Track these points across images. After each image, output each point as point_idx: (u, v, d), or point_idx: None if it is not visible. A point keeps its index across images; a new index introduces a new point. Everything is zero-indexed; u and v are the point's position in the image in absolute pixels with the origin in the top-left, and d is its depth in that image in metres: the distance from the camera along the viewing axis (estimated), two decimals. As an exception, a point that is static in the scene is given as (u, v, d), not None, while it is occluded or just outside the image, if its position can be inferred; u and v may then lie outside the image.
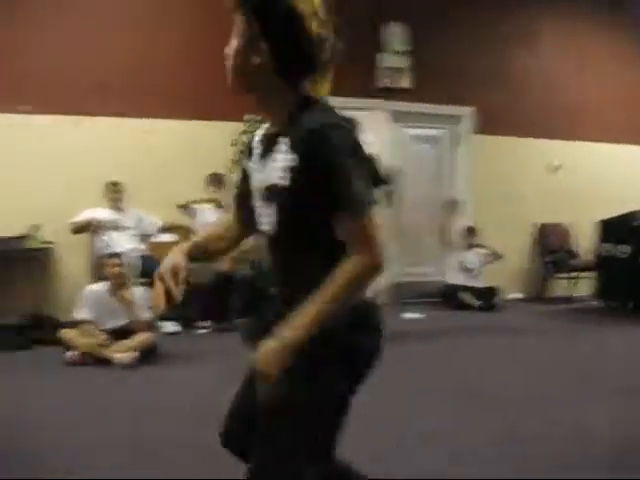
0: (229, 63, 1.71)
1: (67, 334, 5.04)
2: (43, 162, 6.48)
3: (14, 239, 6.00)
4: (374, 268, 1.58)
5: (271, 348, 1.53)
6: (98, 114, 6.63)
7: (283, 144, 1.63)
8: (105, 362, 4.86)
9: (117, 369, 4.78)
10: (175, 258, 1.81)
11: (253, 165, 1.78)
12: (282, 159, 1.62)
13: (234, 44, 1.68)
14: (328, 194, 1.56)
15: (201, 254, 1.94)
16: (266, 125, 1.79)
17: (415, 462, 2.99)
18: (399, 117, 8.15)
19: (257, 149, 1.77)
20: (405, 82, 8.00)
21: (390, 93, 7.89)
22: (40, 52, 6.51)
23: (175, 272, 1.77)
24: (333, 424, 1.66)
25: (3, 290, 6.06)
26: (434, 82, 7.95)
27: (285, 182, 1.61)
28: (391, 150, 8.26)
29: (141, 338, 5.02)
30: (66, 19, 6.62)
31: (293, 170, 1.59)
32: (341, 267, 1.55)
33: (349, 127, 1.60)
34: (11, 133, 6.45)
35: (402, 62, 7.92)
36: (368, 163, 1.65)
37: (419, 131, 8.42)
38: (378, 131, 8.81)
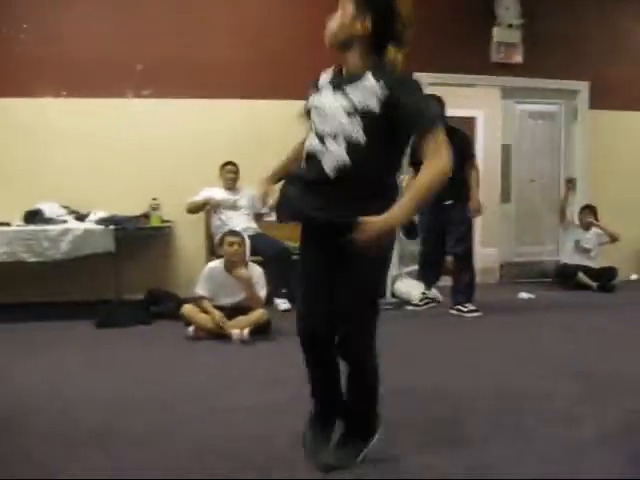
0: (333, 27, 2.37)
1: (187, 310, 5.23)
2: (162, 144, 6.70)
3: (135, 218, 6.24)
4: (444, 173, 2.19)
5: (379, 225, 2.16)
6: (212, 96, 6.79)
7: (370, 80, 2.27)
8: (222, 337, 5.03)
9: (234, 344, 4.93)
10: (262, 189, 2.93)
11: (324, 98, 2.44)
12: (375, 90, 2.25)
13: (340, 15, 2.35)
14: (419, 116, 2.24)
15: (282, 176, 2.84)
16: (330, 72, 2.52)
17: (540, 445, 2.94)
18: (512, 93, 7.96)
19: (327, 87, 2.47)
20: (518, 57, 7.78)
21: (503, 68, 7.69)
22: (162, 38, 6.73)
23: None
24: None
25: (125, 267, 6.33)
26: (548, 56, 7.68)
27: (375, 107, 2.25)
28: (504, 127, 8.11)
29: (256, 315, 5.14)
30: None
31: (385, 102, 2.24)
32: (424, 171, 2.20)
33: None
34: (133, 117, 6.70)
35: (515, 36, 7.70)
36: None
37: (533, 107, 8.19)
38: (491, 108, 8.67)
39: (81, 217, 6.17)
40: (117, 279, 6.21)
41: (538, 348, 4.78)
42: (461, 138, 5.85)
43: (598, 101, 7.98)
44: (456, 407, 3.44)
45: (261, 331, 5.14)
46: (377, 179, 2.38)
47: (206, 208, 6.43)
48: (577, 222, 7.74)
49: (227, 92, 6.80)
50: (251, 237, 6.12)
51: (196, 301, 5.27)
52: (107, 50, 6.58)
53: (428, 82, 7.26)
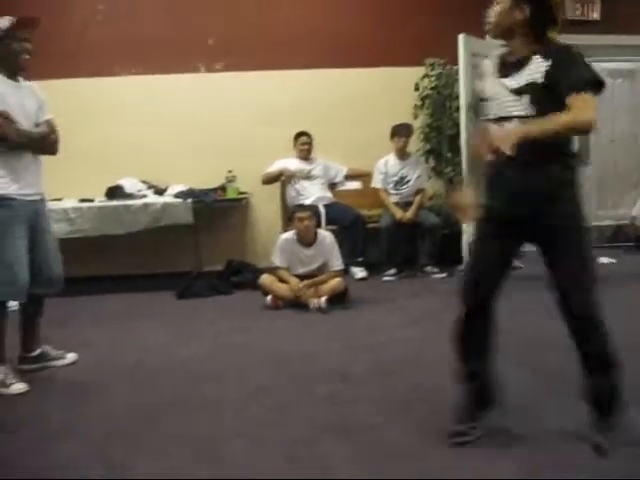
0: (493, 17, 2.59)
1: (265, 280, 5.31)
2: (236, 117, 6.77)
3: (212, 191, 6.34)
4: (589, 123, 2.34)
5: (515, 131, 2.37)
6: (284, 67, 6.82)
7: (536, 59, 2.47)
8: (300, 306, 5.11)
9: (312, 313, 5.00)
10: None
11: (496, 78, 2.62)
12: (538, 64, 2.46)
13: (498, 7, 2.57)
14: (571, 79, 2.37)
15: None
16: (498, 55, 2.67)
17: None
18: (590, 51, 7.62)
19: (494, 69, 2.65)
20: (595, 13, 7.51)
21: (580, 26, 7.44)
22: (231, 12, 6.79)
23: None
24: None
25: (204, 239, 6.45)
26: (626, 11, 7.35)
27: (540, 79, 2.44)
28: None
29: (333, 284, 5.19)
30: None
31: (547, 71, 2.43)
32: (572, 111, 2.33)
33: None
34: (207, 91, 6.80)
35: (591, -8, 7.45)
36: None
37: (612, 65, 7.89)
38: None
39: (160, 191, 6.33)
40: (196, 251, 6.34)
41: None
42: None
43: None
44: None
45: (338, 299, 5.18)
46: (552, 145, 2.47)
47: (281, 179, 6.50)
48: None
49: (299, 63, 6.81)
50: (326, 206, 6.19)
51: (273, 271, 5.35)
52: (178, 26, 6.69)
53: (500, 43, 7.13)
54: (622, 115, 7.90)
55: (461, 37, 6.29)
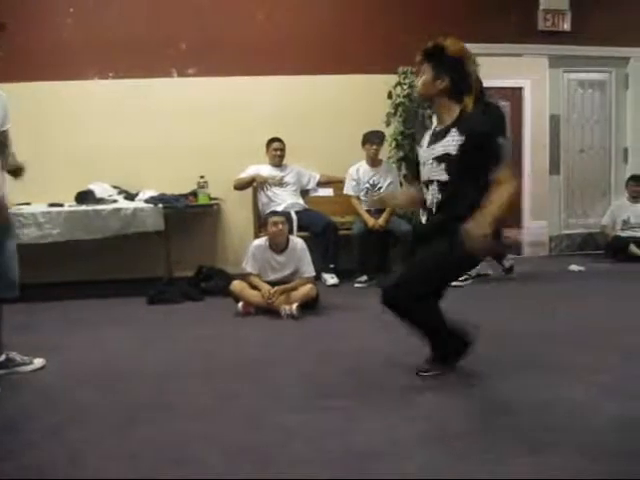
0: (420, 86, 3.27)
1: (236, 286, 5.28)
2: (208, 122, 6.75)
3: (183, 196, 6.31)
4: (515, 192, 3.09)
5: (480, 222, 2.92)
6: (256, 73, 6.81)
7: (453, 132, 3.10)
8: (271, 313, 5.08)
9: (283, 319, 4.98)
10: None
11: (426, 146, 3.27)
12: (454, 138, 3.09)
13: (423, 77, 3.19)
14: (482, 155, 3.03)
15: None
16: (434, 125, 3.32)
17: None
18: (560, 62, 7.80)
19: (427, 138, 3.30)
20: (566, 24, 7.61)
21: (550, 37, 7.54)
22: (205, 18, 6.78)
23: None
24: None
25: (175, 245, 6.42)
26: (597, 22, 7.47)
27: (454, 151, 3.09)
28: (552, 96, 7.95)
29: (304, 291, 5.18)
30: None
31: (460, 146, 3.06)
32: (498, 190, 3.00)
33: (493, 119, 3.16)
34: (179, 97, 6.76)
35: (563, 3, 7.53)
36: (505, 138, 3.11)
37: (582, 75, 8.01)
38: (538, 77, 8.50)
39: (131, 197, 6.29)
40: (167, 257, 6.31)
41: (586, 320, 4.72)
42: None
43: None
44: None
45: (309, 306, 5.18)
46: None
47: (253, 185, 6.48)
48: (626, 194, 7.60)
49: (272, 69, 6.81)
50: (298, 213, 6.18)
51: (244, 277, 5.33)
52: (151, 30, 6.65)
53: (474, 52, 7.19)
54: (591, 125, 8.01)
55: (434, 46, 6.33)
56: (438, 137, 3.19)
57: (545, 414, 2.92)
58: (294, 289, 5.18)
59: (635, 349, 3.90)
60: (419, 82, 3.26)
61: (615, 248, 7.36)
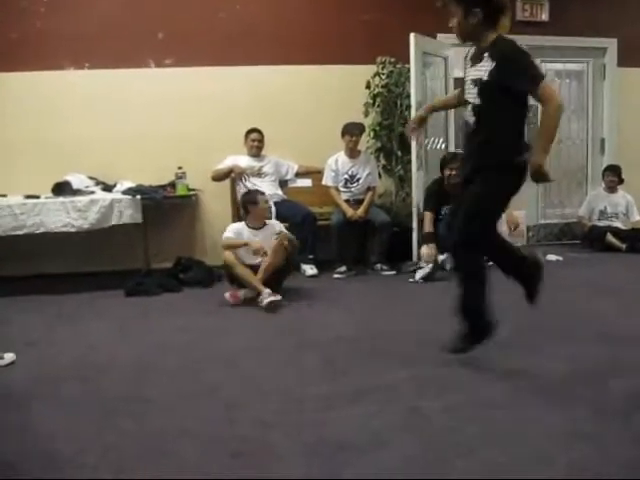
0: (457, 32, 3.26)
1: (229, 257, 5.26)
2: (186, 113, 6.71)
3: (162, 188, 6.29)
4: (561, 107, 3.08)
5: (538, 163, 3.11)
6: (235, 63, 6.78)
7: (486, 57, 3.11)
8: (254, 303, 5.08)
9: (262, 312, 4.96)
10: (420, 112, 4.01)
11: (467, 68, 3.30)
12: (486, 64, 3.10)
13: (454, 20, 3.21)
14: (514, 79, 3.06)
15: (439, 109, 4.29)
16: (471, 49, 3.33)
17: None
18: (538, 52, 7.78)
19: (469, 59, 3.31)
20: (544, 14, 7.64)
21: (528, 27, 7.56)
22: (183, 6, 6.74)
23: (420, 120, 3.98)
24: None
25: (153, 236, 6.39)
26: (574, 13, 7.52)
27: (486, 76, 3.11)
28: (530, 87, 7.97)
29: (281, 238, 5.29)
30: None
31: (491, 72, 3.08)
32: (545, 114, 3.12)
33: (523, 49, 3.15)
34: (157, 87, 6.71)
35: (541, -7, 7.58)
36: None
37: (559, 66, 8.05)
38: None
39: (108, 188, 6.23)
40: (145, 248, 6.27)
41: (563, 309, 4.76)
42: None
43: (626, 59, 7.82)
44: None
45: (285, 271, 5.33)
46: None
47: (231, 176, 6.45)
48: (603, 184, 7.66)
49: (251, 59, 6.78)
50: (277, 204, 6.18)
51: (228, 246, 5.31)
52: (128, 20, 6.58)
53: (452, 43, 7.20)
54: (569, 116, 8.05)
55: (412, 36, 6.35)
56: (474, 60, 3.24)
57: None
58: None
59: (611, 335, 3.94)
60: (453, 24, 3.26)
61: (592, 238, 7.42)
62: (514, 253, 3.53)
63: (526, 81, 3.04)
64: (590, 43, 7.83)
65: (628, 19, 7.69)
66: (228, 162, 6.42)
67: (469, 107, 3.29)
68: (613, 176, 7.55)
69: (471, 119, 3.30)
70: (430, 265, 5.91)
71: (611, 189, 7.58)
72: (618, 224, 7.46)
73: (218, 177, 6.42)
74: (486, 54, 3.12)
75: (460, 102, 3.52)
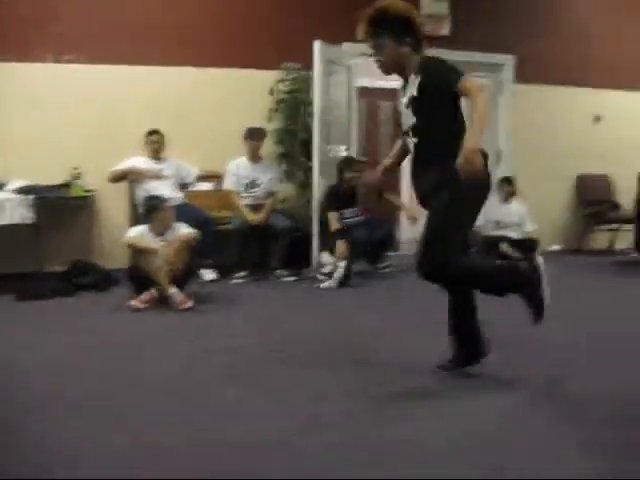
0: (385, 64, 3.23)
1: (132, 239, 5.20)
2: (84, 111, 6.54)
3: (56, 187, 6.10)
4: (485, 98, 3.02)
5: (471, 150, 2.84)
6: (136, 63, 6.65)
7: (412, 79, 3.13)
8: (163, 303, 5.07)
9: (161, 314, 4.89)
10: (373, 176, 3.80)
11: (402, 98, 3.24)
12: (415, 82, 3.10)
13: (380, 54, 3.21)
14: (441, 79, 3.07)
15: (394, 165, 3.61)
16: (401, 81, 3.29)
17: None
18: (439, 66, 8.01)
19: (402, 91, 3.27)
20: (445, 29, 7.84)
21: (429, 41, 7.70)
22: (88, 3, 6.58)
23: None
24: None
25: (47, 238, 6.16)
26: (474, 29, 7.75)
27: (415, 92, 3.09)
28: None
29: (185, 234, 5.33)
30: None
31: (419, 84, 3.08)
32: (473, 103, 2.94)
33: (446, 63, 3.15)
34: (55, 83, 6.51)
35: (443, 8, 7.76)
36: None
37: (461, 80, 8.26)
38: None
39: (-2, 186, 5.98)
40: (38, 250, 6.04)
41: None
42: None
43: (523, 75, 8.13)
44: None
45: (190, 273, 5.38)
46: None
47: (129, 178, 6.30)
48: (497, 194, 7.90)
49: (152, 59, 6.67)
50: (176, 207, 6.06)
51: (131, 246, 5.26)
52: (26, 11, 6.35)
53: (357, 52, 7.28)
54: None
55: (317, 44, 6.40)
56: (406, 88, 3.22)
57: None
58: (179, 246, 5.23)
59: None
60: (383, 59, 3.22)
61: (487, 247, 7.62)
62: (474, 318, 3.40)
63: (452, 78, 3.02)
64: (489, 59, 8.08)
65: (525, 36, 7.99)
66: (127, 163, 6.28)
67: (410, 135, 3.26)
68: (507, 187, 7.79)
69: (412, 143, 3.27)
70: (344, 263, 5.98)
71: (505, 199, 7.82)
72: (512, 234, 7.70)
73: (115, 178, 6.26)
74: (413, 75, 3.14)
75: (406, 149, 3.43)
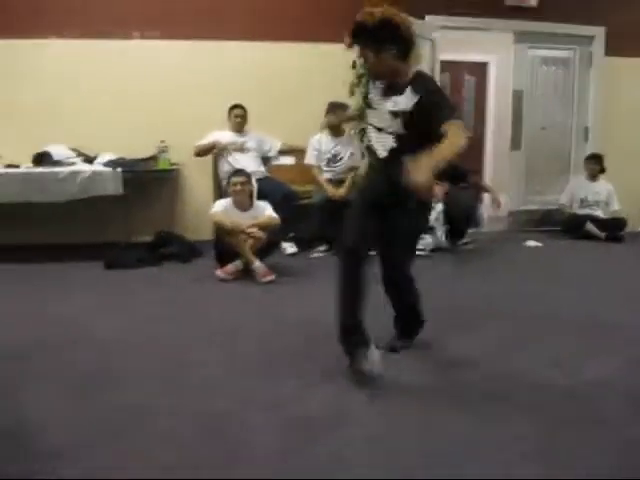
0: (373, 72, 3.23)
1: (216, 216, 5.31)
2: (170, 86, 6.67)
3: (143, 161, 6.25)
4: (462, 146, 2.85)
5: (424, 164, 2.72)
6: (219, 38, 6.72)
7: (408, 90, 3.09)
8: (245, 278, 5.17)
9: (241, 286, 4.99)
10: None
11: (378, 97, 3.23)
12: (409, 97, 3.08)
13: (370, 62, 3.15)
14: (435, 112, 2.98)
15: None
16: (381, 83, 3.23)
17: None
18: (525, 38, 7.82)
19: (379, 89, 3.23)
20: (533, 0, 7.61)
21: (517, 12, 7.54)
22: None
23: None
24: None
25: (134, 210, 6.36)
26: (563, 0, 7.53)
27: (410, 108, 3.08)
28: (516, 72, 7.99)
29: (266, 217, 5.39)
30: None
31: (415, 104, 3.06)
32: (450, 140, 2.84)
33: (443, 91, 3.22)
34: (141, 59, 6.66)
35: (530, -21, 7.55)
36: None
37: (546, 52, 8.04)
38: (503, 53, 8.54)
39: (89, 159, 6.18)
40: (126, 221, 6.25)
41: (538, 295, 4.80)
42: None
43: (614, 48, 7.83)
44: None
45: (271, 248, 5.45)
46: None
47: (214, 151, 6.42)
48: (585, 172, 7.69)
49: (236, 34, 6.72)
50: (259, 181, 6.14)
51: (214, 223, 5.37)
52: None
53: (440, 25, 7.19)
54: (554, 103, 8.08)
55: (400, 17, 6.31)
56: (394, 92, 3.16)
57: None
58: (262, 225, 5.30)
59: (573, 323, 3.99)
60: (367, 62, 3.20)
61: (572, 226, 7.45)
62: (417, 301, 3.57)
63: (447, 112, 2.98)
64: (578, 30, 7.82)
65: (617, 7, 7.67)
66: (211, 138, 6.38)
67: (382, 136, 3.24)
68: (594, 164, 7.59)
69: (383, 149, 3.24)
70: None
71: (592, 177, 7.61)
72: (598, 213, 7.50)
73: (200, 152, 6.38)
74: (408, 88, 3.09)
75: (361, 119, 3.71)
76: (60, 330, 3.87)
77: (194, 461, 2.33)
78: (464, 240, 6.61)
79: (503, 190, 8.14)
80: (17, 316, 4.17)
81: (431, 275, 4.92)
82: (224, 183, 6.05)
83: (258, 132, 6.59)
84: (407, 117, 3.09)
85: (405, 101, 3.09)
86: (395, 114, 3.13)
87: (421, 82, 3.13)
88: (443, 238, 6.46)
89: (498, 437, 2.49)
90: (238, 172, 5.56)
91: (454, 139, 2.86)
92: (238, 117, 6.46)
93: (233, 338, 3.75)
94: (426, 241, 6.27)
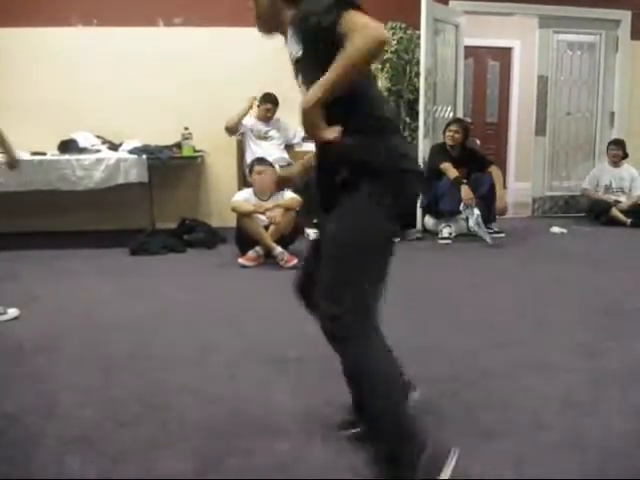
0: (259, 17, 2.44)
1: (236, 202, 5.35)
2: (195, 74, 6.68)
3: (168, 148, 6.28)
4: (376, 39, 1.86)
5: (304, 111, 1.94)
6: (249, 24, 6.68)
7: (290, 34, 2.18)
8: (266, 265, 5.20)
9: (264, 272, 5.02)
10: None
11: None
12: (293, 39, 2.16)
13: (255, 12, 2.43)
14: (316, 18, 1.95)
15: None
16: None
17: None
18: (550, 22, 7.74)
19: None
20: (557, -17, 7.54)
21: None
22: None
23: None
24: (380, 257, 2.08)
25: (158, 197, 6.40)
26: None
27: (300, 51, 2.12)
28: (541, 57, 7.92)
29: (288, 199, 5.38)
30: None
31: (295, 38, 2.12)
32: (349, 43, 1.84)
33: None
34: (166, 46, 6.67)
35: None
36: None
37: (571, 37, 7.95)
38: (528, 38, 8.46)
39: (114, 147, 6.23)
40: (150, 208, 6.29)
41: (566, 281, 4.78)
42: None
43: (640, 31, 7.75)
44: (476, 336, 3.49)
45: (295, 234, 5.51)
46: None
47: (237, 137, 6.42)
48: (609, 157, 7.61)
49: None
50: (283, 167, 6.14)
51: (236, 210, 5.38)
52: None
53: (464, 10, 7.14)
54: (580, 88, 8.00)
55: (424, 2, 6.28)
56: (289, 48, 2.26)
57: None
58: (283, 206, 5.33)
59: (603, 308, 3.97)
60: (256, 12, 2.44)
61: (597, 211, 7.39)
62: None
63: (328, 11, 1.94)
64: (603, 14, 7.73)
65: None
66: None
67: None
68: (617, 150, 7.51)
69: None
70: (473, 208, 6.14)
71: (615, 163, 7.54)
72: (623, 198, 7.44)
73: (231, 127, 6.31)
74: (289, 32, 2.19)
75: None
76: (89, 314, 3.93)
77: (224, 444, 2.35)
78: (495, 229, 6.51)
79: (527, 176, 8.11)
80: (46, 301, 4.23)
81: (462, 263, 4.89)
82: (247, 172, 6.07)
83: (282, 119, 6.58)
84: (300, 61, 2.20)
85: (291, 47, 2.22)
86: (294, 62, 2.29)
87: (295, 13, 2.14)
88: (475, 222, 6.19)
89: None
90: (259, 160, 5.58)
91: (357, 39, 1.85)
92: (268, 111, 6.43)
93: (255, 322, 3.78)
94: (451, 228, 6.31)
